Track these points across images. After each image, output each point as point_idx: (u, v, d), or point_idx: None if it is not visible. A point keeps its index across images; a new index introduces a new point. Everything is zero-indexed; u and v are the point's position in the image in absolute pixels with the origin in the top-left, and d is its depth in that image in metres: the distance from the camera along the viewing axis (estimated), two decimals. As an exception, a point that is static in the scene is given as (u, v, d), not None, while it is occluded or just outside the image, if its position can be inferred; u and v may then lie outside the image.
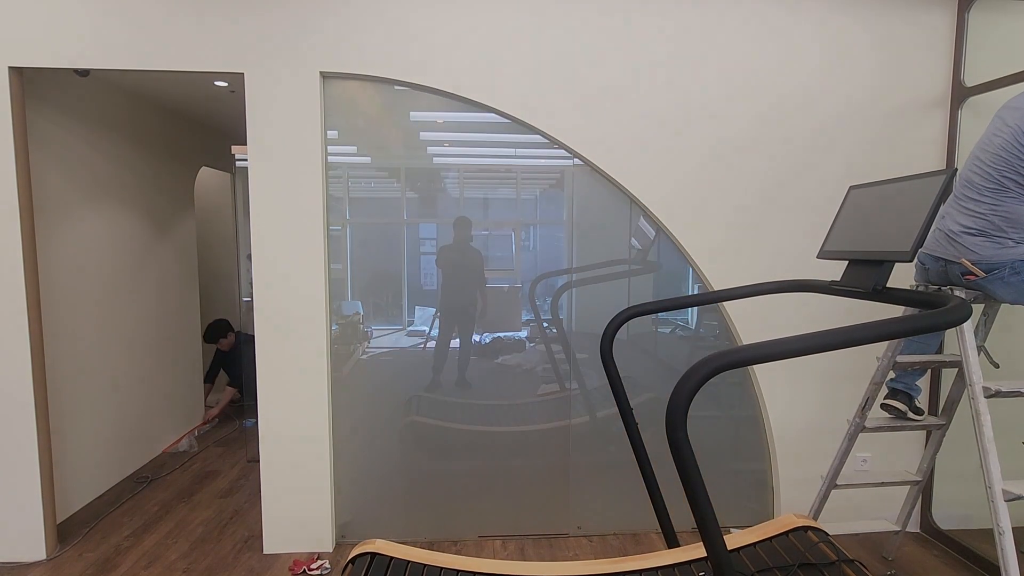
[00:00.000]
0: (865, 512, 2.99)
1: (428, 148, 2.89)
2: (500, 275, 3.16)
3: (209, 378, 4.81)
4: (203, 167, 4.78)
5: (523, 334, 3.27)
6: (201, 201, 5.28)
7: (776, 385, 2.94)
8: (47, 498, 2.72)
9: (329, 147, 2.77)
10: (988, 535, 1.96)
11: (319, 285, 2.75)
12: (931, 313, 1.34)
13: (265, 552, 2.80)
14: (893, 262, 1.73)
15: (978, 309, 2.35)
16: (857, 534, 2.95)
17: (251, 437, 3.97)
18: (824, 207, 2.87)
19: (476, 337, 3.19)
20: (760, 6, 2.78)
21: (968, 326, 2.04)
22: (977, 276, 2.06)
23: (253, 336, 2.79)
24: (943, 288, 2.23)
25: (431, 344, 3.23)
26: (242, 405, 4.66)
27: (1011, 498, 1.89)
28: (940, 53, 2.86)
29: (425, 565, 1.77)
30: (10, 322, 2.60)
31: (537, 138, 2.81)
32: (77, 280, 3.18)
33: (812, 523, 1.93)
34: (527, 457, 3.09)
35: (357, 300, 2.98)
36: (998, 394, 2.00)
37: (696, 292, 2.98)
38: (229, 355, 4.73)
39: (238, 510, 3.23)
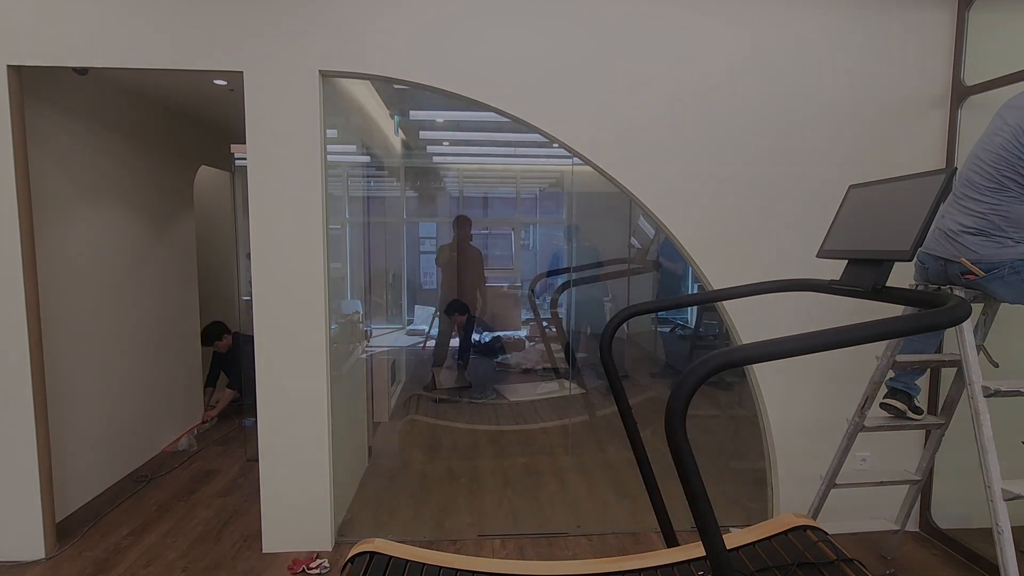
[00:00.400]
0: (864, 511, 2.99)
1: (428, 147, 2.89)
2: (500, 274, 3.16)
3: (210, 381, 4.80)
4: (202, 166, 4.77)
5: (523, 333, 3.27)
6: (200, 200, 5.27)
7: (776, 385, 2.94)
8: (46, 497, 2.72)
9: (328, 146, 2.77)
10: (987, 534, 1.96)
11: (318, 284, 2.75)
12: (931, 312, 1.34)
13: (264, 551, 2.80)
14: (893, 261, 1.72)
15: (977, 308, 2.35)
16: (856, 533, 2.94)
17: (250, 436, 3.97)
18: (823, 206, 2.87)
19: (475, 336, 3.19)
20: (759, 5, 2.78)
21: (967, 325, 2.04)
22: (976, 275, 2.06)
23: (252, 336, 2.79)
24: (942, 287, 2.23)
25: (431, 343, 3.23)
26: (241, 404, 4.66)
27: (1010, 497, 1.89)
28: (940, 52, 2.85)
29: (424, 564, 1.77)
30: (8, 321, 2.60)
31: (537, 137, 2.81)
32: (76, 278, 3.18)
33: (811, 522, 1.93)
34: (526, 456, 3.10)
35: (356, 299, 2.98)
36: (997, 393, 2.00)
37: (695, 291, 2.98)
38: (227, 356, 4.72)
39: (237, 509, 3.22)
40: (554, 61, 2.73)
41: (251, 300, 2.75)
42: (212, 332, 4.64)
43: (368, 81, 3.06)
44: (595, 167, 2.80)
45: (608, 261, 3.12)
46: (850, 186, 2.17)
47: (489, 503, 3.02)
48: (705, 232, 2.85)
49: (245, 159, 2.68)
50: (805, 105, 2.83)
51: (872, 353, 2.46)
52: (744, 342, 2.86)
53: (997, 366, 2.28)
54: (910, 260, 1.66)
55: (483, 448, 3.11)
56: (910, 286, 2.34)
